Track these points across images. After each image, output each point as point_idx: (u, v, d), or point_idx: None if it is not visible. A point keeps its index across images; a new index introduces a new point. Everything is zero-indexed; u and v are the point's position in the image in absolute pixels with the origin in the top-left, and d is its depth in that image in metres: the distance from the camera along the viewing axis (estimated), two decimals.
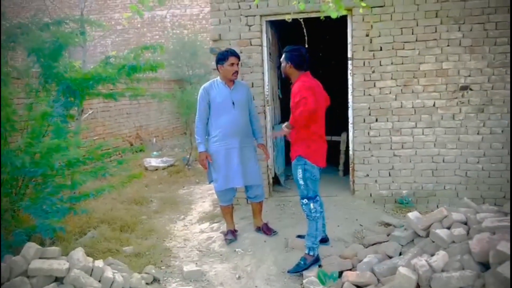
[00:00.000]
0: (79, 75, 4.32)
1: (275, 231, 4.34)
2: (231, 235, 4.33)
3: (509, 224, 2.59)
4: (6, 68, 4.11)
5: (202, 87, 4.20)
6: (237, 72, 4.09)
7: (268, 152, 4.62)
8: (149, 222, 5.08)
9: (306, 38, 4.73)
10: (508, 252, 2.20)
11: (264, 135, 4.91)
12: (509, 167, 4.81)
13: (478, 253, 2.46)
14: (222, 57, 4.05)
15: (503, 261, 2.22)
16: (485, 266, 2.46)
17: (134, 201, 5.87)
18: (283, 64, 3.70)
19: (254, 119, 4.33)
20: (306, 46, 3.85)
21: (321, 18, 4.05)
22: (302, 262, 3.61)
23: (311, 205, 3.61)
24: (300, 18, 4.71)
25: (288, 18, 4.39)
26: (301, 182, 3.61)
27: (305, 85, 3.49)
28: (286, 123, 3.63)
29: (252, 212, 4.48)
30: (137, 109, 10.52)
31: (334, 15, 3.51)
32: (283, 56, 3.69)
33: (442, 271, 2.53)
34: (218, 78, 4.19)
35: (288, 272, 3.61)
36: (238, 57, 4.09)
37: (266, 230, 4.36)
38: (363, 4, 3.82)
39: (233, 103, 4.08)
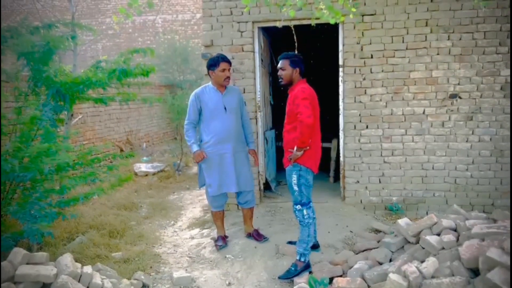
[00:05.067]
0: (69, 79, 4.30)
1: (266, 237, 4.33)
2: (222, 241, 4.30)
3: (499, 230, 2.61)
4: None
5: (194, 92, 4.17)
6: (229, 77, 4.07)
7: (258, 158, 4.60)
8: (138, 227, 5.03)
9: (296, 44, 4.76)
10: (498, 258, 2.22)
11: (255, 140, 4.91)
12: (498, 174, 4.86)
13: (467, 260, 2.48)
14: (213, 63, 4.04)
15: (492, 267, 2.23)
16: (474, 272, 2.48)
17: (124, 206, 5.82)
18: (287, 71, 3.64)
19: (246, 124, 4.32)
20: (296, 52, 3.87)
21: (312, 25, 4.07)
22: (292, 268, 3.61)
23: (304, 211, 3.61)
24: (292, 25, 4.73)
25: (279, 24, 4.42)
26: (296, 188, 3.61)
27: (305, 93, 3.49)
28: (296, 148, 3.50)
29: (243, 218, 4.46)
30: (127, 114, 10.47)
31: (332, 21, 3.54)
32: (287, 61, 3.64)
33: (432, 277, 2.54)
34: (210, 83, 4.16)
35: (279, 278, 3.60)
36: (229, 62, 4.07)
37: (256, 236, 4.34)
38: (353, 9, 3.85)
39: (225, 108, 4.07)
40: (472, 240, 2.62)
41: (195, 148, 4.04)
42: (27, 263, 2.91)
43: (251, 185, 4.29)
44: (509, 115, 4.76)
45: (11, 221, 3.86)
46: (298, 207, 3.63)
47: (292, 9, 3.63)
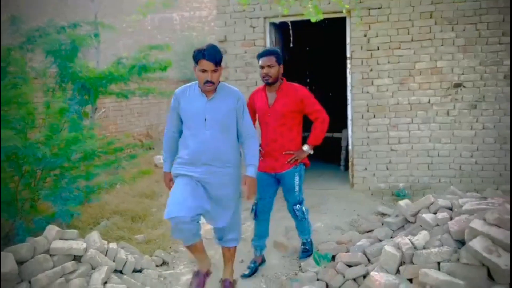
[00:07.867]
0: (93, 74, 4.65)
1: None
2: (200, 278, 3.12)
3: (487, 206, 2.82)
4: (26, 68, 4.44)
5: (175, 91, 3.08)
6: (211, 82, 2.83)
7: (251, 192, 3.08)
8: (159, 214, 5.35)
9: (291, 39, 4.98)
10: (480, 228, 2.45)
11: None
12: (502, 160, 5.01)
13: (456, 232, 2.70)
14: (194, 57, 2.85)
15: (474, 236, 2.46)
16: (462, 243, 2.70)
17: (145, 195, 6.15)
18: (275, 67, 3.34)
19: (246, 141, 3.06)
20: (291, 45, 4.03)
21: (312, 21, 4.26)
22: (307, 247, 3.83)
23: (303, 207, 3.68)
24: (293, 20, 4.97)
25: (289, 20, 4.68)
26: (297, 188, 3.59)
27: (310, 92, 3.52)
28: (307, 146, 3.47)
29: (222, 256, 3.39)
30: (148, 109, 10.85)
31: (313, 19, 3.81)
32: (274, 58, 3.33)
33: (424, 248, 2.77)
34: (198, 82, 2.97)
35: (300, 258, 3.80)
36: (214, 62, 2.78)
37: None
38: (347, 6, 4.08)
39: (205, 119, 2.91)
40: (462, 216, 2.84)
41: (165, 168, 3.23)
42: (60, 239, 3.25)
43: (233, 223, 3.16)
44: None
45: (42, 205, 4.24)
46: (298, 206, 3.63)
47: (286, 7, 3.90)
